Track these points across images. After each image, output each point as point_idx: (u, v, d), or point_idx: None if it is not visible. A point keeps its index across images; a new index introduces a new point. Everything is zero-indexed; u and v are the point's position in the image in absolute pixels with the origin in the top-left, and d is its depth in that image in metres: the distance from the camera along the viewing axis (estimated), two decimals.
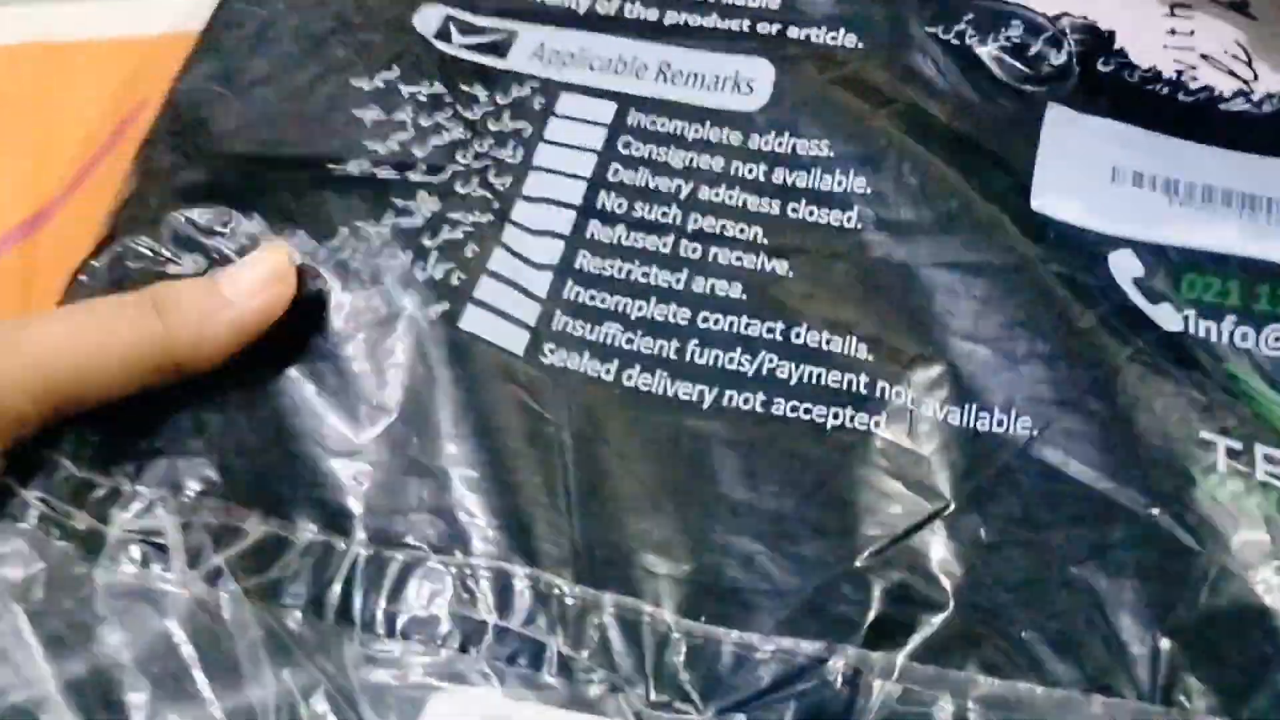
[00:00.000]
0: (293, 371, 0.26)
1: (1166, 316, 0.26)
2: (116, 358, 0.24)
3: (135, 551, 0.24)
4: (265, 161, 0.29)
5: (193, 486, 0.24)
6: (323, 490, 0.25)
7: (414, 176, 0.29)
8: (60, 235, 0.32)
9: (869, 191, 0.28)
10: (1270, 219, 0.27)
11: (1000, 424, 0.25)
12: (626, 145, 0.29)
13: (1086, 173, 0.28)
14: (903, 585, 0.23)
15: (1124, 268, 0.27)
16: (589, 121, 0.30)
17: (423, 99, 0.30)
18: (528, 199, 0.29)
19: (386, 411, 0.25)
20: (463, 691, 0.22)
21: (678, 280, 0.27)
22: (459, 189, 0.29)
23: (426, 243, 0.28)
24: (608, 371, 0.26)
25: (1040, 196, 0.28)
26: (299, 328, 0.26)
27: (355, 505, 0.24)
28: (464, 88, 0.30)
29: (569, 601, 0.23)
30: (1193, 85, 0.30)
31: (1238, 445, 0.24)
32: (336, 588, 0.23)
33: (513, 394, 0.26)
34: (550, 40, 0.31)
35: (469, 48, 0.31)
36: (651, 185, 0.29)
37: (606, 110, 0.30)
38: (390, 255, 0.27)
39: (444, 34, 0.32)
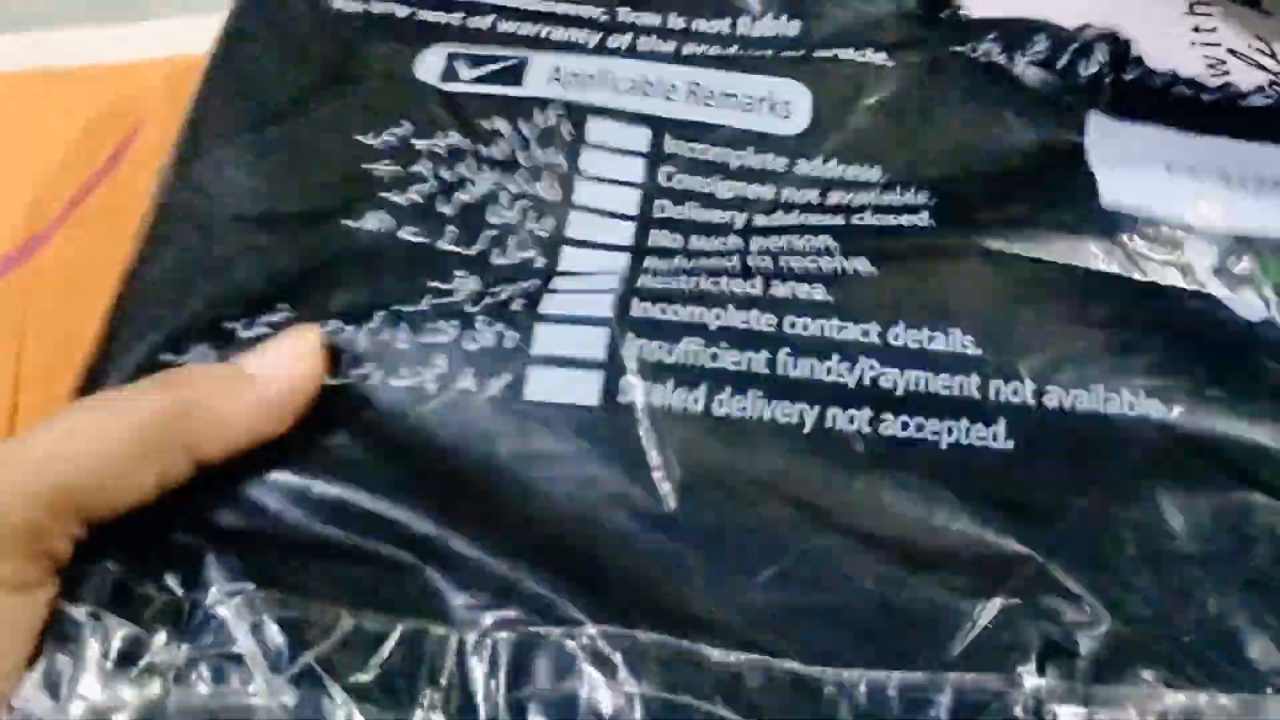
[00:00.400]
0: (346, 461, 0.23)
1: (1248, 305, 0.26)
2: (127, 444, 0.21)
3: (204, 668, 0.21)
4: (271, 223, 0.26)
5: (255, 582, 0.22)
6: (404, 572, 0.22)
7: (442, 245, 0.26)
8: (56, 260, 0.32)
9: (935, 204, 0.27)
10: None
11: (1130, 407, 0.24)
12: (669, 177, 0.28)
13: (1144, 171, 0.28)
14: (1055, 606, 0.22)
15: (1201, 256, 0.26)
16: (624, 151, 0.28)
17: (441, 152, 0.28)
18: (574, 242, 0.27)
19: (451, 506, 0.23)
20: None
21: (753, 285, 0.25)
22: (495, 260, 0.26)
23: (470, 310, 0.25)
24: (695, 400, 0.24)
25: (1108, 195, 0.27)
26: (346, 418, 0.23)
27: (443, 586, 0.22)
28: (483, 124, 0.28)
29: (716, 667, 0.21)
30: (1213, 84, 0.30)
31: None
32: (450, 677, 0.21)
33: (597, 456, 0.23)
34: (565, 64, 0.29)
35: (480, 79, 0.29)
36: (703, 219, 0.27)
37: (641, 137, 0.28)
38: (435, 330, 0.24)
39: (450, 74, 0.29)
